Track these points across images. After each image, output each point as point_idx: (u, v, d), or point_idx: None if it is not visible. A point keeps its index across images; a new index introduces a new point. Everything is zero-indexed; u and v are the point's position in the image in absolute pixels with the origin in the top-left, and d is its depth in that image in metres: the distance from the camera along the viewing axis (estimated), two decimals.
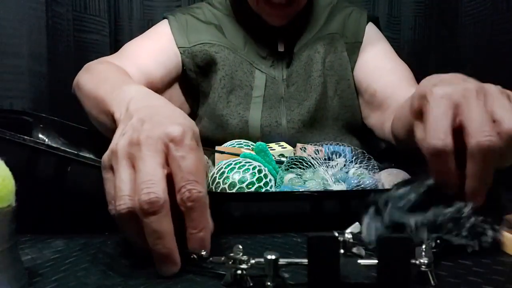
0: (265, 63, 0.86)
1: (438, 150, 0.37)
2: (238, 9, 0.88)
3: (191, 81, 0.87)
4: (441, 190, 0.41)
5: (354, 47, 0.88)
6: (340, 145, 0.68)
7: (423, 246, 0.37)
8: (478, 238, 0.40)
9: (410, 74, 0.82)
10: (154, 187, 0.36)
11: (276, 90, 0.85)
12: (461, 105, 0.38)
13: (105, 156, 0.40)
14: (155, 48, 0.83)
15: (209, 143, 0.76)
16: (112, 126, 0.48)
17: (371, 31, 0.90)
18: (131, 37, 0.91)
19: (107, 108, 0.51)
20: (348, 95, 0.87)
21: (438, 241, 0.40)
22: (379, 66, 0.85)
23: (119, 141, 0.40)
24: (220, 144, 0.72)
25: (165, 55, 0.83)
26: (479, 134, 0.36)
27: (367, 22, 0.90)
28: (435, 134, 0.38)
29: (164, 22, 0.88)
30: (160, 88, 0.81)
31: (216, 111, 0.84)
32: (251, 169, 0.55)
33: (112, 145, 0.40)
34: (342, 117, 0.87)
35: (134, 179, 0.37)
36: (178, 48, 0.85)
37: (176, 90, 0.88)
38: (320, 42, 0.87)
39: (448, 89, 0.39)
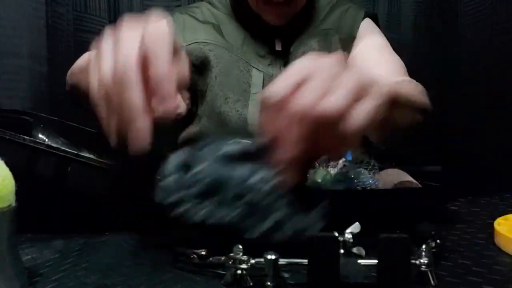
0: (263, 62, 0.86)
1: (269, 98, 0.39)
2: (238, 8, 0.88)
3: None
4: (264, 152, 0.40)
5: (348, 42, 0.87)
6: None
7: (423, 246, 0.37)
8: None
9: (401, 67, 0.80)
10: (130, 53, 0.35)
11: None
12: (311, 76, 0.40)
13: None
14: None
15: None
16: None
17: (365, 25, 0.89)
18: None
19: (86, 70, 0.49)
20: None
21: (438, 241, 0.40)
22: (366, 58, 0.84)
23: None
24: None
25: None
26: (301, 101, 0.37)
27: (364, 18, 0.90)
28: (275, 87, 0.39)
29: None
30: None
31: (215, 109, 0.84)
32: None
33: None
34: None
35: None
36: None
37: None
38: (314, 38, 0.87)
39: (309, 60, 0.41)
